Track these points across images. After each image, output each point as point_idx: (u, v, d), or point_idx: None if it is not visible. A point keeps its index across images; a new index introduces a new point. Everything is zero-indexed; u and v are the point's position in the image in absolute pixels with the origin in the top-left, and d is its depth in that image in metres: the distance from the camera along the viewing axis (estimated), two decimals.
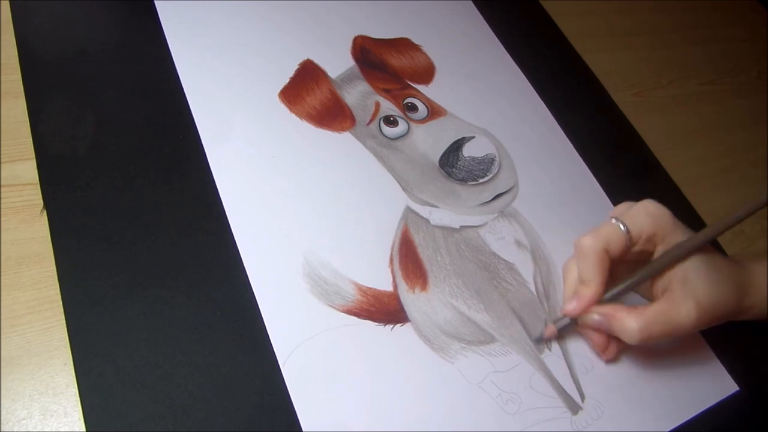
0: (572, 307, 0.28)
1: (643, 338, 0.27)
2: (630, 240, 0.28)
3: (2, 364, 0.24)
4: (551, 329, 0.29)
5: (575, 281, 0.29)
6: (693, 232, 0.29)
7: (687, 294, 0.27)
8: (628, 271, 0.29)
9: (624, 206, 0.30)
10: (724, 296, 0.28)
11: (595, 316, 0.28)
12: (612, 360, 0.31)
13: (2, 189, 0.28)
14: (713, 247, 0.30)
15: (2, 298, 0.25)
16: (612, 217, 0.29)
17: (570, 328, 0.30)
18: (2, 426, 0.23)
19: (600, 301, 0.28)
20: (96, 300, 0.26)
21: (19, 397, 0.24)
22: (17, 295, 0.26)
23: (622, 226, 0.28)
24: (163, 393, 0.24)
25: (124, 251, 0.27)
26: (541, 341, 0.30)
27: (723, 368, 0.33)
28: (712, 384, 0.32)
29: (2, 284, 0.26)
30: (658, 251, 0.29)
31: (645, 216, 0.28)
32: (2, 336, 0.25)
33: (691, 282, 0.27)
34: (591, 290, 0.28)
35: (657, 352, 0.32)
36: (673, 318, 0.27)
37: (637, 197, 0.30)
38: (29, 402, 0.24)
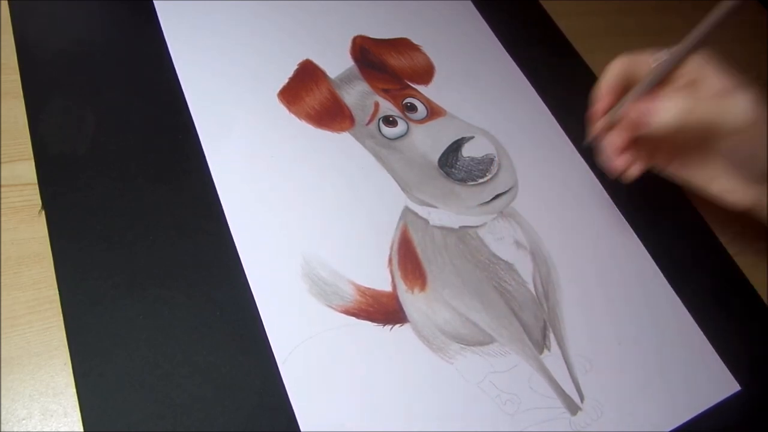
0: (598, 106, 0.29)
1: (681, 114, 0.26)
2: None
3: (2, 364, 0.24)
4: (597, 126, 0.30)
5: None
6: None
7: (736, 83, 0.26)
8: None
9: None
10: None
11: (639, 108, 0.28)
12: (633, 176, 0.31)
13: (2, 189, 0.28)
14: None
15: (2, 298, 0.25)
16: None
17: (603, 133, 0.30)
18: (2, 426, 0.23)
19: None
20: (95, 300, 0.26)
21: (19, 397, 0.24)
22: (17, 295, 0.26)
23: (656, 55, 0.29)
24: (163, 393, 0.24)
25: (123, 251, 0.27)
26: (587, 143, 0.31)
27: (725, 367, 0.33)
28: (713, 383, 0.32)
29: (2, 284, 0.26)
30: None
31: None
32: (2, 336, 0.25)
33: (729, 76, 0.27)
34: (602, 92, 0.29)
35: (657, 350, 0.32)
36: (726, 96, 0.26)
37: (637, 196, 0.30)
38: (29, 402, 0.24)
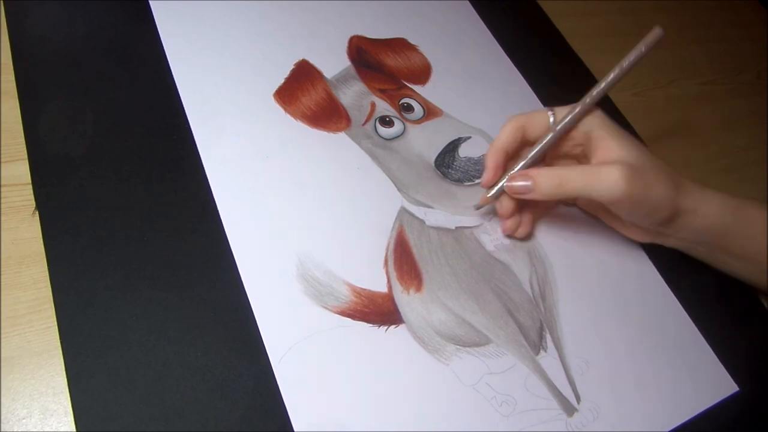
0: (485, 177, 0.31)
1: (556, 187, 0.28)
2: (554, 124, 0.30)
3: (2, 364, 0.24)
4: (486, 198, 0.32)
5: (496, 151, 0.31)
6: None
7: (612, 149, 0.28)
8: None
9: None
10: (655, 168, 0.28)
11: (519, 181, 0.29)
12: (526, 237, 0.33)
13: (2, 189, 0.28)
14: None
15: (2, 298, 0.26)
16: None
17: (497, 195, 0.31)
18: (2, 425, 0.23)
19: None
20: (88, 301, 0.26)
21: (19, 397, 0.24)
22: (18, 294, 0.26)
23: (550, 113, 0.30)
24: (156, 394, 0.24)
25: (116, 252, 0.27)
26: (478, 208, 0.33)
27: (723, 368, 0.32)
28: (711, 384, 0.32)
29: (2, 284, 0.26)
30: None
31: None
32: (2, 335, 0.25)
33: (615, 143, 0.29)
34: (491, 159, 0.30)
35: (655, 351, 0.32)
36: (598, 171, 0.28)
37: None
38: (29, 401, 0.24)
